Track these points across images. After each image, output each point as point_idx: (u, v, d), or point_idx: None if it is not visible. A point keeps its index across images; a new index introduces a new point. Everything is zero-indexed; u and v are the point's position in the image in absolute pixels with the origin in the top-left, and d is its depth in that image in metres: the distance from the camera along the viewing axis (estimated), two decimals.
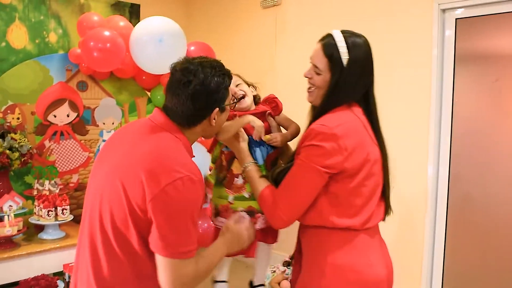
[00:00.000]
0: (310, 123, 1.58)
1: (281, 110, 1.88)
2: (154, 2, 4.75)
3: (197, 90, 1.42)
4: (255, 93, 1.88)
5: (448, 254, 3.36)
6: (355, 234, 1.53)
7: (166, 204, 1.30)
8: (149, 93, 3.81)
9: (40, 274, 2.49)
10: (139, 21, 3.73)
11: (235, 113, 1.78)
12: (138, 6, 4.43)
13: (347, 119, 1.53)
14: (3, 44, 3.56)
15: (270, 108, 1.86)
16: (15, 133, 2.89)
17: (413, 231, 3.37)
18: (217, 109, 1.48)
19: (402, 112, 3.45)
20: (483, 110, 3.27)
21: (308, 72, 1.63)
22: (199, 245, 1.42)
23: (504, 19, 3.10)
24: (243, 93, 1.81)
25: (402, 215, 3.41)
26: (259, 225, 1.74)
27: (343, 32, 1.59)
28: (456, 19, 3.29)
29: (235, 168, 1.74)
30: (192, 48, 3.53)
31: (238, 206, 1.73)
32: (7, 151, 2.75)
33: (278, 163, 1.79)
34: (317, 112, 1.59)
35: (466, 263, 3.33)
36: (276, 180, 1.58)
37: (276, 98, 1.90)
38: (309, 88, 1.64)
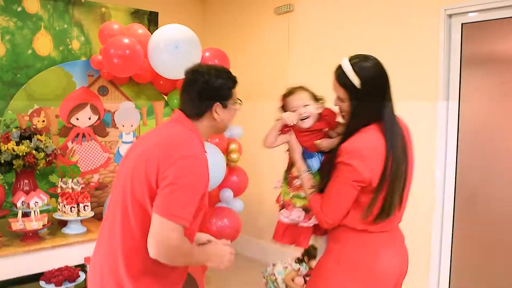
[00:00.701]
0: (342, 141, 1.79)
1: (334, 125, 2.02)
2: (172, 10, 4.95)
3: (202, 87, 1.74)
4: (321, 110, 2.01)
5: (455, 253, 3.44)
6: (371, 235, 1.79)
7: (175, 175, 1.55)
8: (166, 97, 3.98)
9: (63, 266, 2.66)
10: (157, 29, 3.90)
11: (288, 128, 1.99)
12: (157, 14, 4.61)
13: (371, 138, 1.74)
14: (29, 51, 3.77)
15: (325, 125, 2.00)
16: (41, 135, 3.08)
17: (421, 232, 3.45)
18: (219, 104, 1.75)
19: (409, 115, 3.53)
20: (489, 113, 3.34)
21: (335, 102, 1.87)
22: None
23: (509, 24, 3.18)
24: (308, 115, 1.96)
25: (410, 216, 3.50)
26: (313, 221, 1.93)
27: (350, 59, 1.79)
28: (462, 24, 3.37)
29: (295, 171, 1.99)
30: (207, 54, 3.69)
31: (297, 203, 1.96)
32: (34, 152, 2.94)
33: None
34: (346, 133, 1.80)
35: (472, 261, 3.40)
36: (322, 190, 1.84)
37: (328, 115, 2.02)
38: (341, 114, 1.89)
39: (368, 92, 1.75)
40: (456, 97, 3.40)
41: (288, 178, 2.02)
